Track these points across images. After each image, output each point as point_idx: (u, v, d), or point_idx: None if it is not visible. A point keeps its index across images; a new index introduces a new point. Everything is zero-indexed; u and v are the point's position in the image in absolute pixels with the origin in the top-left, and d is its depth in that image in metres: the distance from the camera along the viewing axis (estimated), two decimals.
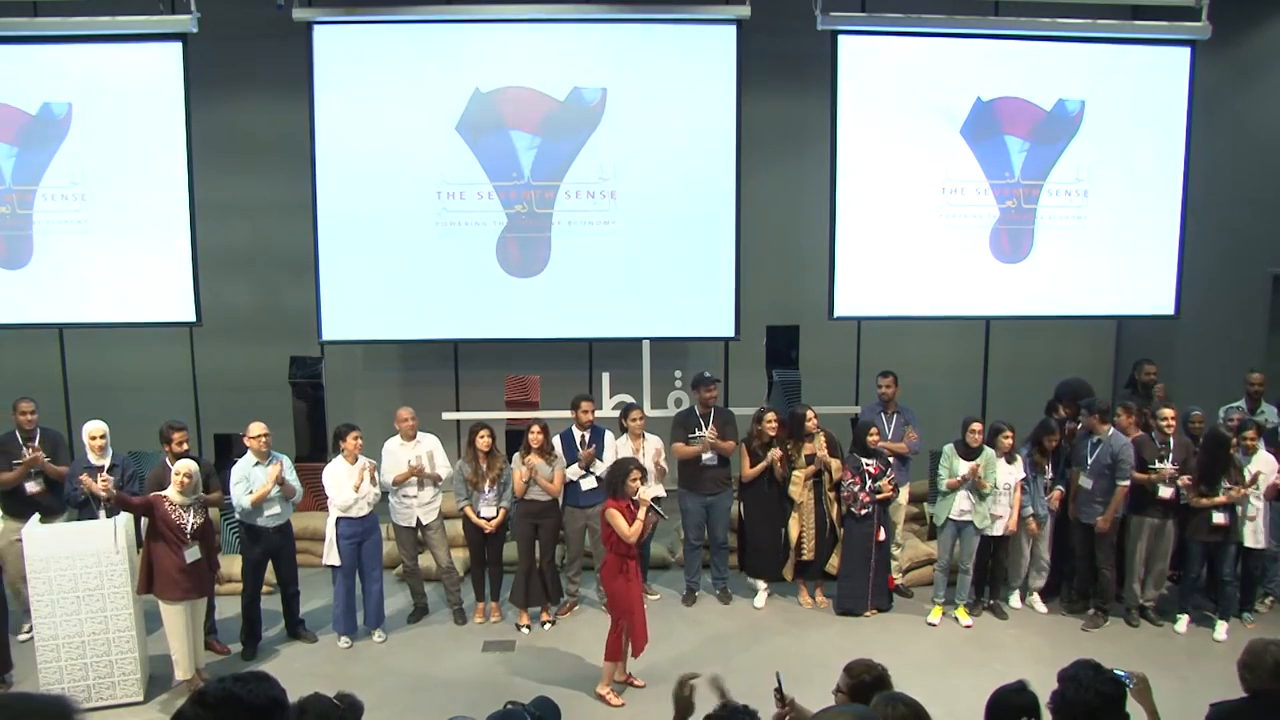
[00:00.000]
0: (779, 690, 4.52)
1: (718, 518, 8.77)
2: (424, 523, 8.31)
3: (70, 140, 9.48)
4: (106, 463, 7.66)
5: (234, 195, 10.45)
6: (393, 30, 9.58)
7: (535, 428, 8.23)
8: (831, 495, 8.51)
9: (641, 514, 6.91)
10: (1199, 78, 10.20)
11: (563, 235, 9.78)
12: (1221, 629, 8.15)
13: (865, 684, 4.17)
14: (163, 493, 6.99)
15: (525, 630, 8.22)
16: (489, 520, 8.24)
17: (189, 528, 6.92)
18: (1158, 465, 8.07)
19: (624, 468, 7.02)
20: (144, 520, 6.99)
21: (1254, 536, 8.15)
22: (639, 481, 6.99)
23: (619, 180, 9.75)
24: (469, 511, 8.26)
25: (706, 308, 9.98)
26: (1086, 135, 10.18)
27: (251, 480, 7.66)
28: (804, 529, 8.52)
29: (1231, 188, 11.00)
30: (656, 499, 8.46)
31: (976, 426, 8.28)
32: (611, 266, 9.84)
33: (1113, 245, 10.36)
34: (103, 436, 7.72)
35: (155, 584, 6.94)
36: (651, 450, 8.58)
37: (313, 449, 9.81)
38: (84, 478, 7.49)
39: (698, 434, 8.65)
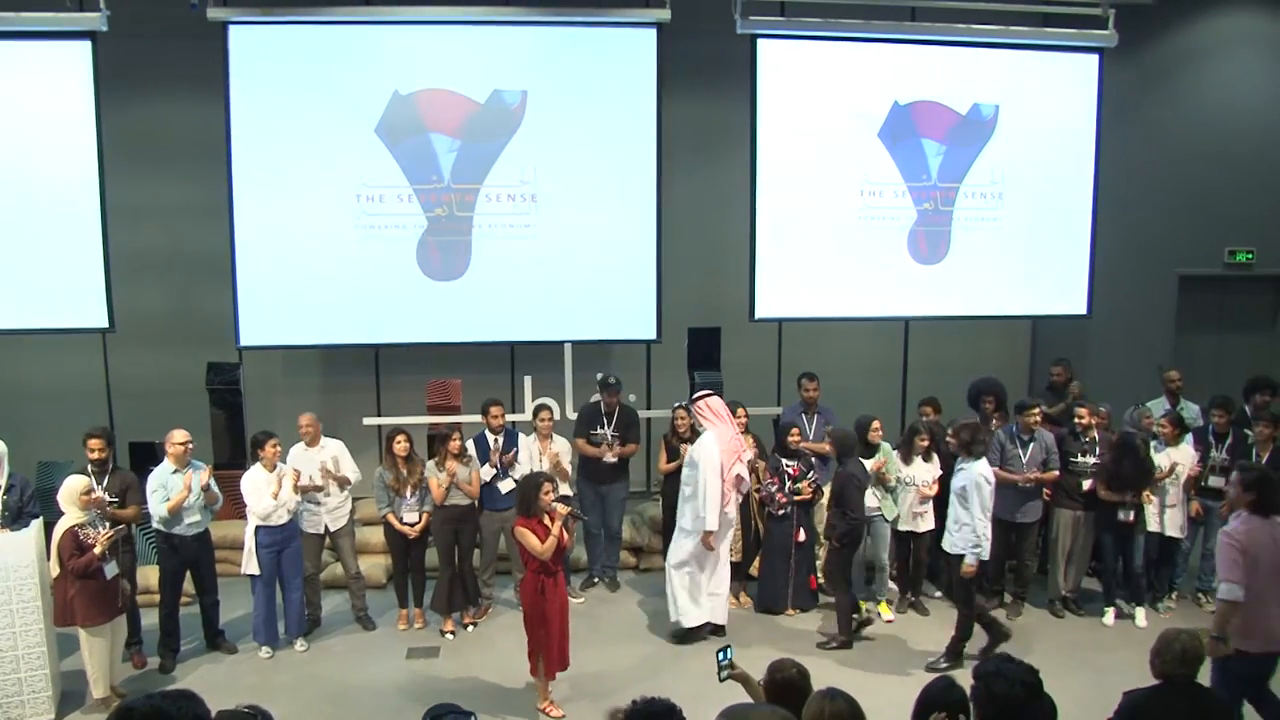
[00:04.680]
0: (721, 658, 4.65)
1: (612, 507, 9.03)
2: (332, 529, 8.25)
3: None
4: (2, 482, 7.24)
5: (147, 198, 10.20)
6: (310, 31, 9.46)
7: (456, 435, 8.20)
8: (757, 497, 8.58)
9: (556, 528, 6.68)
10: (1108, 84, 10.48)
11: (483, 238, 9.74)
12: (1140, 616, 8.40)
13: (780, 682, 4.23)
14: (66, 521, 6.73)
15: (450, 636, 8.18)
16: (412, 526, 8.19)
17: (100, 545, 6.70)
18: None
19: (535, 482, 6.82)
20: (54, 543, 6.73)
21: (1173, 526, 8.45)
22: (551, 495, 6.81)
23: (540, 183, 9.73)
24: (391, 518, 8.20)
25: (628, 310, 10.01)
26: (1001, 139, 10.40)
27: (169, 488, 7.51)
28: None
29: (1140, 191, 11.36)
30: (564, 497, 8.53)
31: (875, 424, 8.48)
32: (533, 269, 9.81)
33: (1027, 247, 10.61)
34: None
35: (78, 614, 6.71)
36: (558, 451, 8.69)
37: (231, 456, 9.63)
38: None
39: (599, 431, 8.89)
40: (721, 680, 4.74)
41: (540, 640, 6.82)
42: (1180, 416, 8.79)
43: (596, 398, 9.28)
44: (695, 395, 8.28)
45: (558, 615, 6.86)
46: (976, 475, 7.35)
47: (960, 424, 7.78)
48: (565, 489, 8.69)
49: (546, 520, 6.73)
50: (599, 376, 9.33)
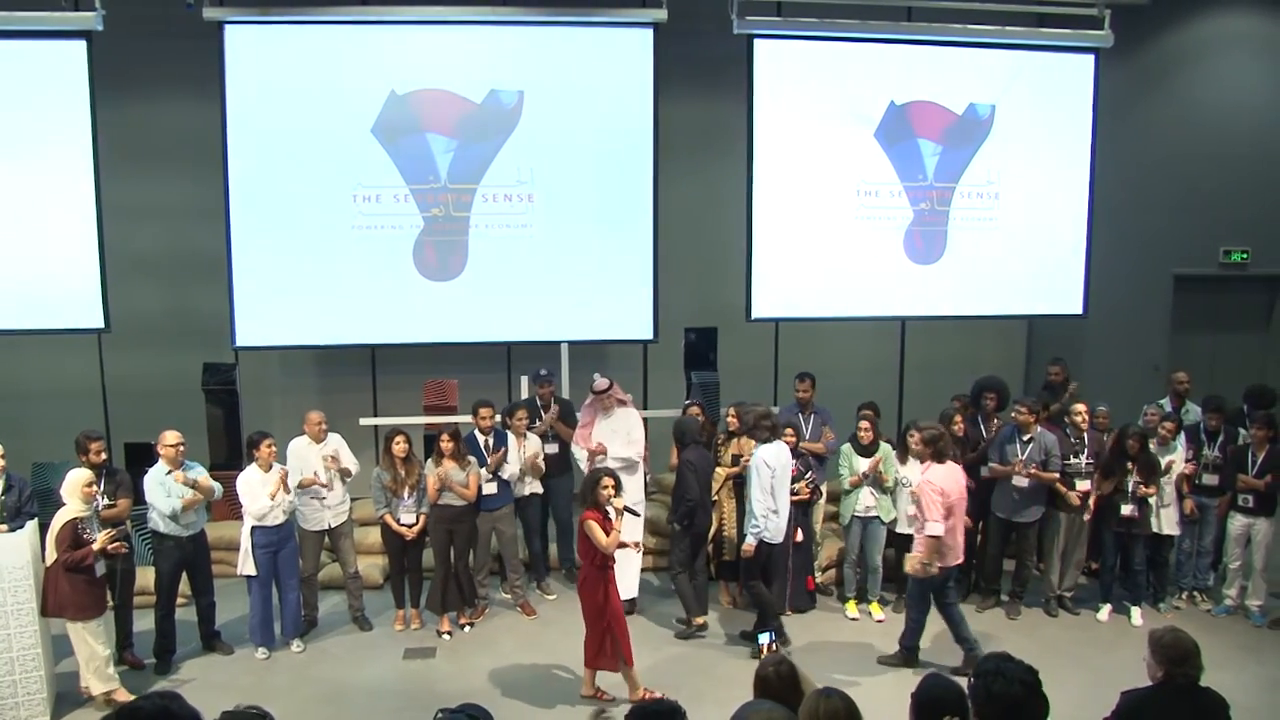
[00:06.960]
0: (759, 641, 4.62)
1: (559, 500, 9.15)
2: (334, 526, 8.23)
3: None
4: (0, 484, 7.26)
5: (143, 198, 10.19)
6: (306, 31, 9.44)
7: (445, 436, 8.18)
8: None
9: (618, 523, 6.78)
10: (1103, 84, 10.50)
11: (480, 238, 9.73)
12: (1136, 614, 8.44)
13: (760, 677, 4.24)
14: (68, 513, 6.74)
15: (446, 637, 8.17)
16: (409, 527, 8.18)
17: (99, 544, 6.71)
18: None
19: (594, 477, 6.93)
20: (48, 538, 6.72)
21: (1166, 524, 8.49)
22: (611, 490, 6.83)
23: (536, 183, 9.72)
24: (389, 519, 8.19)
25: (625, 310, 10.00)
26: (997, 139, 10.41)
27: (168, 487, 7.47)
28: (725, 528, 8.56)
29: (1136, 191, 11.39)
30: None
31: (865, 424, 8.51)
32: (529, 269, 9.80)
33: (1023, 246, 10.61)
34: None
35: (68, 608, 6.71)
36: (532, 450, 8.72)
37: (228, 457, 9.61)
38: None
39: (536, 423, 9.01)
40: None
41: (599, 631, 6.85)
42: (1178, 417, 8.86)
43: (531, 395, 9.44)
44: (601, 388, 8.70)
45: (618, 609, 6.91)
46: (757, 458, 7.62)
47: (745, 409, 8.02)
48: (537, 486, 8.87)
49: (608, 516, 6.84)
50: (596, 377, 9.37)
